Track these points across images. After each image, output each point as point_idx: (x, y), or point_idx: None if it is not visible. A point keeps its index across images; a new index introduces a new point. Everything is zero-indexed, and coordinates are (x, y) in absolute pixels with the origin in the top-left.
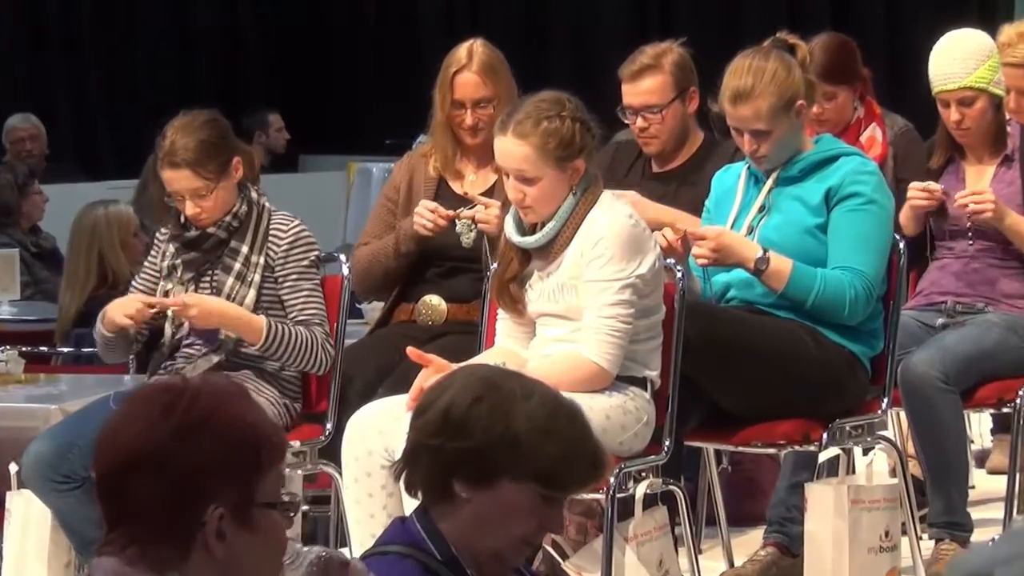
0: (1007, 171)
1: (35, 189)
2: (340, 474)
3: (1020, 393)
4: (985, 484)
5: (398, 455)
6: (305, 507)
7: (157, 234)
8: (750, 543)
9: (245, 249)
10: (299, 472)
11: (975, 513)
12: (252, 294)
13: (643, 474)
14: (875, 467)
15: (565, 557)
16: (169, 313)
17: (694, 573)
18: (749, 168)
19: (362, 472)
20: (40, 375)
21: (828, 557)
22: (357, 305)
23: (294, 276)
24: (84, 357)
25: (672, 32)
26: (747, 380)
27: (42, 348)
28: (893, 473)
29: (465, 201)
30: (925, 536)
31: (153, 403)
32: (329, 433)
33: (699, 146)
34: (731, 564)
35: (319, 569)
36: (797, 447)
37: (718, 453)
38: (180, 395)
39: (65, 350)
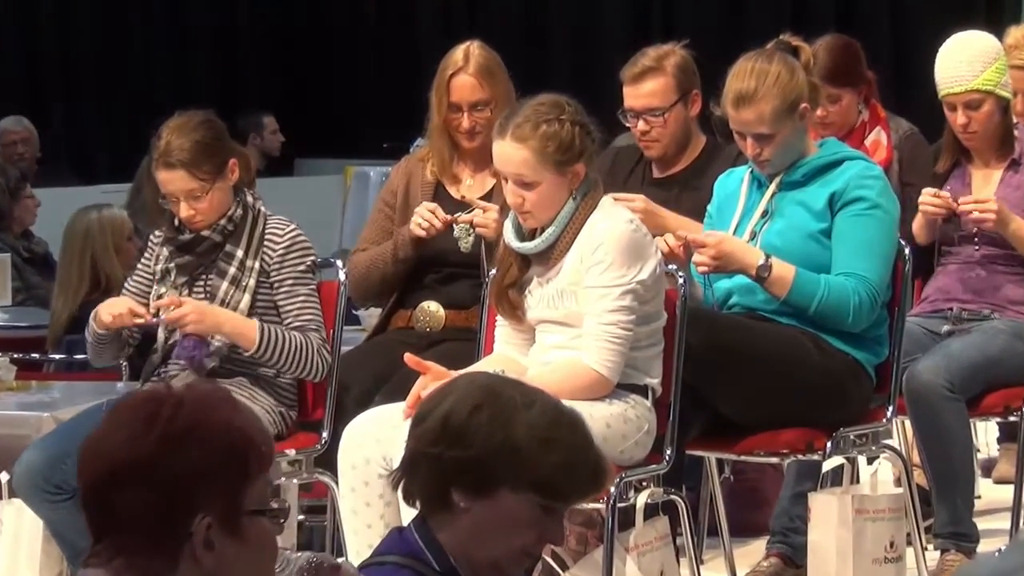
0: (1014, 175)
1: (27, 193)
2: (336, 483)
3: None
4: (991, 494)
5: (396, 464)
6: (301, 517)
7: (151, 237)
8: (753, 554)
9: (240, 253)
10: (295, 481)
11: (981, 523)
12: (247, 299)
13: (644, 483)
14: (880, 476)
15: (565, 568)
16: (163, 317)
17: None
18: (752, 172)
19: (359, 481)
20: (32, 382)
21: (832, 568)
22: (354, 311)
23: (290, 281)
24: (77, 364)
25: (674, 34)
26: (750, 388)
27: (34, 355)
28: (898, 482)
29: (463, 205)
30: (930, 547)
31: (136, 412)
32: (325, 441)
33: (701, 150)
34: (733, 575)
35: (309, 574)
36: (800, 456)
37: (720, 462)
38: (163, 403)
39: (57, 357)
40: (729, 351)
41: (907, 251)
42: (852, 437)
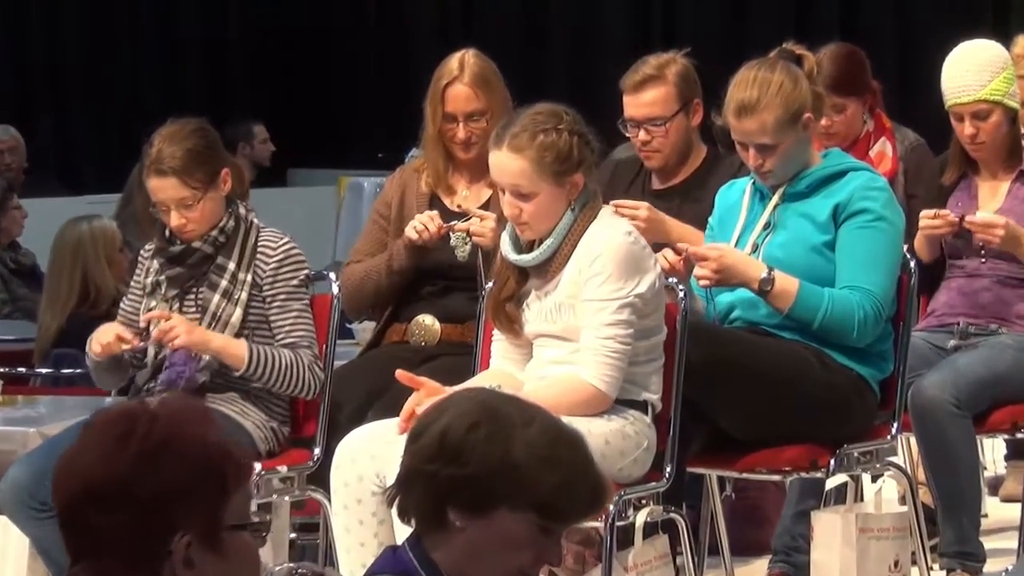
0: (1022, 187)
1: (14, 203)
2: (329, 501)
3: None
4: (998, 512)
5: (390, 481)
6: (293, 535)
7: (141, 251)
8: (754, 573)
9: (232, 266)
10: (286, 499)
11: (988, 543)
12: (238, 313)
13: (643, 501)
14: (884, 494)
15: None
16: (152, 331)
17: None
18: (754, 184)
19: (352, 499)
20: (18, 397)
21: None
22: (347, 325)
23: (283, 296)
24: (64, 378)
25: (675, 42)
26: (752, 404)
27: (20, 369)
28: (903, 501)
29: (459, 216)
30: (936, 566)
31: (110, 430)
32: (318, 458)
33: (702, 161)
34: None
35: None
36: (803, 473)
37: (721, 479)
38: (137, 420)
39: (44, 371)
40: (731, 366)
41: (912, 264)
42: (856, 454)
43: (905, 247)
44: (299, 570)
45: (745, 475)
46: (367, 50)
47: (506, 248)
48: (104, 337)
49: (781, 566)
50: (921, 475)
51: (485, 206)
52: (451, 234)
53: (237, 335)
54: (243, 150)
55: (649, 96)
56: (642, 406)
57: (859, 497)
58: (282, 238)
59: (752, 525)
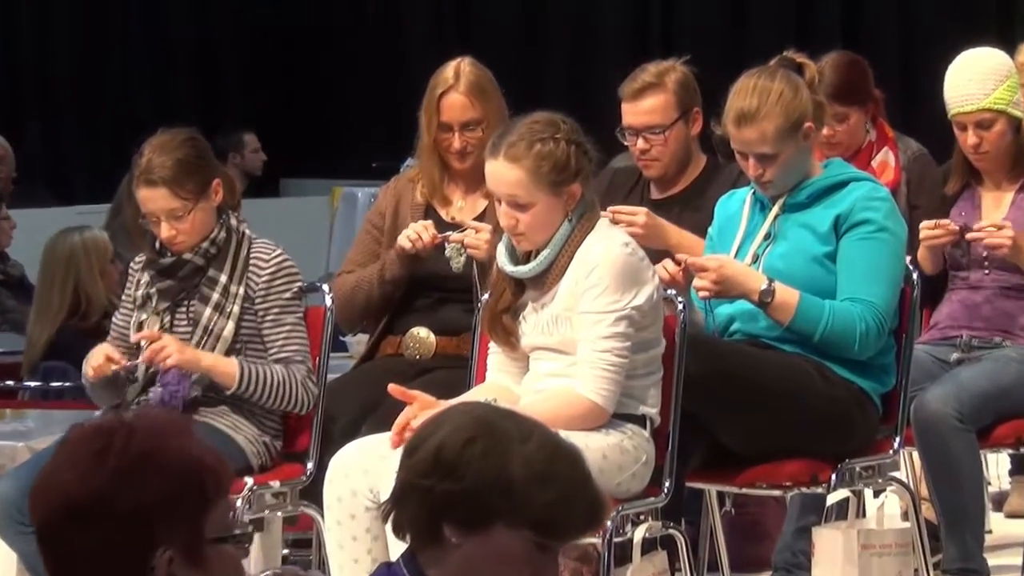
0: None
1: (2, 214)
2: (322, 516)
3: None
4: (1003, 528)
5: (384, 496)
6: (285, 551)
7: (132, 263)
8: None
9: (224, 278)
10: (279, 514)
11: (992, 559)
12: (231, 326)
13: (642, 517)
14: (886, 510)
15: None
16: (143, 349)
17: None
18: (754, 194)
19: (345, 514)
20: (6, 411)
21: None
22: (341, 338)
23: (276, 310)
24: (53, 392)
25: (674, 50)
26: (751, 418)
27: (8, 382)
28: (905, 517)
29: (454, 228)
30: None
31: (87, 446)
32: (311, 473)
33: (701, 170)
34: None
35: None
36: (804, 489)
37: (721, 495)
38: (114, 435)
39: (33, 384)
40: (730, 379)
41: (915, 276)
42: (858, 469)
43: (908, 259)
44: (281, 571)
45: (745, 490)
46: (361, 57)
47: (502, 259)
48: (95, 360)
49: None
50: (924, 490)
51: (481, 217)
52: (446, 245)
53: (230, 349)
54: (233, 160)
55: (648, 104)
56: (640, 420)
57: (861, 513)
58: (275, 250)
59: (752, 541)
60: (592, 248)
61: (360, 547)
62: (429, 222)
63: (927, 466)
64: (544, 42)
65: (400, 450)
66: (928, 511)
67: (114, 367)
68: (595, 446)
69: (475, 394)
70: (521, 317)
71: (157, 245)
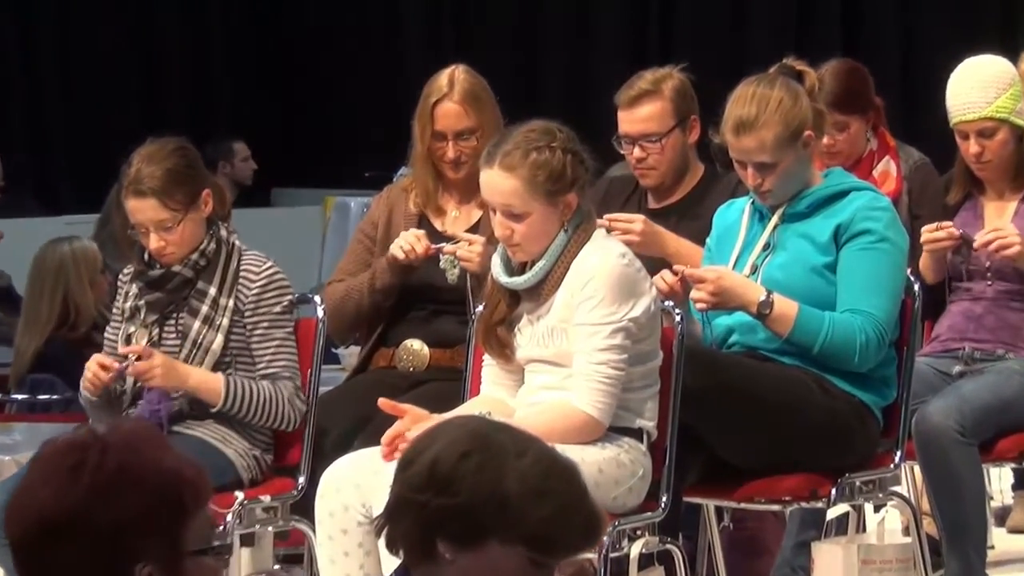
0: None
1: None
2: (314, 531)
3: None
4: (1005, 544)
5: (376, 511)
6: (276, 567)
7: (120, 275)
8: None
9: (213, 291)
10: (270, 529)
11: (994, 575)
12: (220, 339)
13: (639, 532)
14: (887, 525)
15: None
16: (130, 362)
17: None
18: (753, 203)
19: (337, 529)
20: None
21: None
22: (333, 350)
23: (265, 324)
24: (40, 405)
25: (672, 57)
26: (750, 431)
27: None
28: (906, 531)
29: (447, 240)
30: None
31: (61, 462)
32: (302, 487)
33: (699, 179)
34: None
35: None
36: (804, 503)
37: (719, 509)
38: (88, 450)
39: (20, 397)
40: (729, 392)
41: (916, 287)
42: (858, 483)
43: (909, 269)
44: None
45: (743, 505)
46: (355, 65)
47: (497, 270)
48: (90, 371)
49: None
50: (925, 505)
51: (475, 227)
52: (441, 257)
53: (218, 362)
54: (223, 169)
55: (644, 112)
56: (637, 433)
57: (861, 528)
58: (265, 262)
59: (751, 556)
60: (588, 259)
61: (352, 562)
62: (421, 232)
63: (928, 480)
64: (540, 50)
65: (393, 464)
66: (930, 526)
67: (110, 374)
68: (591, 460)
69: (469, 407)
70: (516, 329)
71: (146, 256)
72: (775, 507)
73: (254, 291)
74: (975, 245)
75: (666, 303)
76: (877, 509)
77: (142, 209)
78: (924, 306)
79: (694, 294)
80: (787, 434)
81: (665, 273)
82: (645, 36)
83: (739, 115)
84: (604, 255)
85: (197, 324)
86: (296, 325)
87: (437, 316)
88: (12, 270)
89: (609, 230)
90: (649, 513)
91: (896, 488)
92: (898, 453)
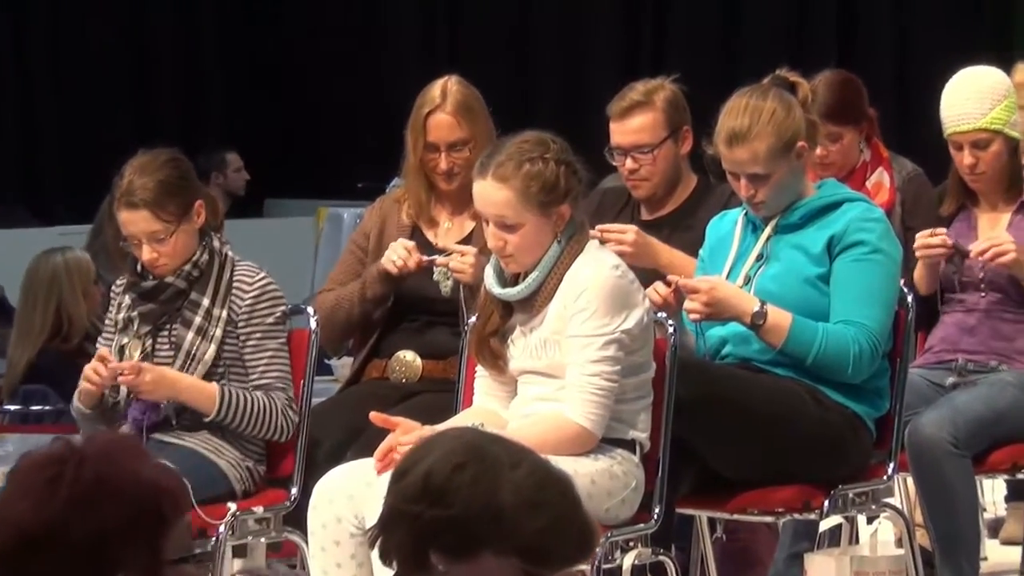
0: (1023, 219)
1: None
2: (306, 542)
3: None
4: (998, 555)
5: (369, 522)
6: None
7: (113, 286)
8: None
9: (206, 302)
10: (262, 540)
11: None
12: (213, 350)
13: (631, 543)
14: (880, 536)
15: None
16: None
17: None
18: (746, 215)
19: (330, 540)
20: None
21: None
22: (326, 361)
23: (258, 334)
24: (33, 416)
25: (664, 68)
26: (743, 443)
27: None
28: (899, 543)
29: (439, 252)
30: None
31: (39, 475)
32: (295, 498)
33: (692, 190)
34: None
35: None
36: (797, 515)
37: (712, 521)
38: (66, 463)
39: (12, 408)
40: (722, 403)
41: (910, 298)
42: (851, 495)
43: (902, 280)
44: None
45: (736, 516)
46: (348, 76)
47: (490, 282)
48: (88, 371)
49: None
50: (918, 517)
51: (468, 239)
52: (434, 268)
53: (211, 372)
54: (216, 179)
55: (636, 123)
56: (630, 445)
57: (854, 539)
58: (258, 273)
59: (744, 568)
60: (581, 270)
61: (345, 574)
62: (412, 243)
63: (921, 492)
64: (533, 61)
65: (386, 476)
66: (923, 537)
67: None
68: (584, 471)
69: (462, 418)
70: (509, 340)
71: (139, 268)
72: (768, 519)
73: (247, 302)
74: (971, 255)
75: (659, 314)
76: (870, 521)
77: (134, 221)
78: (917, 317)
79: (688, 305)
80: (780, 445)
81: (658, 285)
82: (638, 47)
83: (732, 126)
84: (597, 267)
85: (190, 335)
86: (289, 336)
87: (430, 327)
88: (5, 281)
89: (602, 241)
90: (642, 524)
91: (889, 500)
92: (891, 465)
